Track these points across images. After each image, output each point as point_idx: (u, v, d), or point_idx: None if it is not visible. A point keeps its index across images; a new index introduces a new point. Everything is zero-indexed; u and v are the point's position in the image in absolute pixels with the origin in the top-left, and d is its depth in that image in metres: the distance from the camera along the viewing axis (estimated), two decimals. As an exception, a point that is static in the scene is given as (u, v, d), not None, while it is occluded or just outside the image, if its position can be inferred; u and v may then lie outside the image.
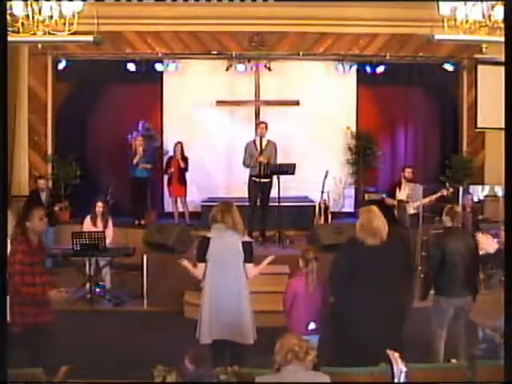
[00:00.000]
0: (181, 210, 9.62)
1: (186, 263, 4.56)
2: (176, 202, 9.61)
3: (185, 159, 9.40)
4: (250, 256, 4.42)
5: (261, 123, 8.61)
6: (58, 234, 8.99)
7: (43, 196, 8.74)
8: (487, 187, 9.29)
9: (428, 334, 5.06)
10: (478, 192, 9.35)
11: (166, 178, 9.75)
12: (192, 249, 7.26)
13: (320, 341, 4.49)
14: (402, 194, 8.45)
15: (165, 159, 10.05)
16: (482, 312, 5.51)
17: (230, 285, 4.36)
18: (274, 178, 8.11)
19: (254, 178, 8.27)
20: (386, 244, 4.16)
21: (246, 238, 4.51)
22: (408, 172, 8.52)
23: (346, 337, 4.10)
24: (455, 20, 6.65)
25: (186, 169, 9.43)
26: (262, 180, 8.17)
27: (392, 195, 8.56)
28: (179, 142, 9.43)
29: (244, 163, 8.36)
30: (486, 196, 9.36)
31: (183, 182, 9.49)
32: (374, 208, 4.32)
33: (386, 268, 4.13)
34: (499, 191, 8.80)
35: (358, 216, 4.32)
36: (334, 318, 4.27)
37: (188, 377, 2.76)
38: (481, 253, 4.67)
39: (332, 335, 4.31)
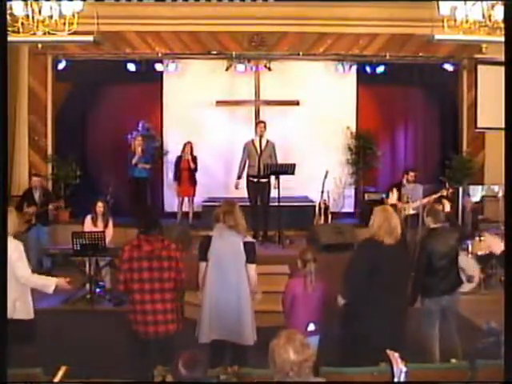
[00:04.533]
0: (185, 209, 9.61)
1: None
2: (182, 201, 9.60)
3: (194, 159, 9.40)
4: (252, 256, 4.41)
5: (260, 122, 8.62)
6: (58, 233, 9.00)
7: (36, 195, 8.70)
8: (487, 187, 9.29)
9: (422, 334, 5.06)
10: (478, 192, 9.35)
11: (173, 177, 9.70)
12: (191, 248, 7.27)
13: (322, 341, 4.49)
14: (393, 197, 8.40)
15: (166, 159, 10.06)
16: (482, 312, 5.52)
17: (230, 284, 4.35)
18: (272, 177, 8.11)
19: (251, 179, 8.27)
20: (400, 243, 4.23)
21: (248, 239, 4.49)
22: (411, 176, 8.45)
23: (366, 337, 4.10)
24: (455, 20, 6.64)
25: (195, 169, 9.43)
26: (261, 180, 8.17)
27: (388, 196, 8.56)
28: (189, 142, 9.42)
29: (240, 165, 8.39)
30: (486, 196, 9.35)
31: (193, 181, 9.48)
32: (389, 207, 4.39)
33: (401, 267, 4.20)
34: (499, 191, 8.79)
35: (373, 215, 4.31)
36: (351, 319, 4.25)
37: (181, 379, 2.74)
38: (483, 253, 4.70)
39: (348, 336, 4.29)
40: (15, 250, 4.26)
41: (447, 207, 5.32)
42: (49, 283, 4.38)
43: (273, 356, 2.66)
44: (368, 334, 4.09)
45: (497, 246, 3.66)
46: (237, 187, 8.43)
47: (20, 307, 4.31)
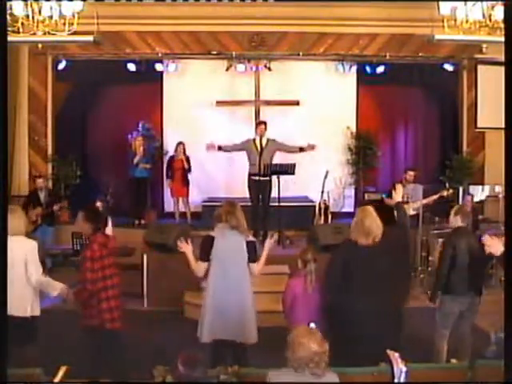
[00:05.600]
0: (182, 210, 9.63)
1: (187, 249, 4.46)
2: (178, 201, 9.63)
3: (187, 159, 9.42)
4: (254, 255, 4.43)
5: (260, 123, 8.61)
6: (58, 234, 8.99)
7: (42, 196, 8.72)
8: (487, 187, 9.29)
9: (431, 333, 5.05)
10: (479, 192, 9.34)
11: (166, 177, 9.76)
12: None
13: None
14: (397, 195, 8.36)
15: (166, 159, 10.07)
16: (482, 312, 5.51)
17: (234, 284, 4.37)
18: (274, 177, 8.12)
19: (252, 177, 8.27)
20: (381, 244, 4.14)
21: (250, 238, 4.52)
22: (410, 175, 8.49)
23: (340, 337, 4.08)
24: (455, 20, 6.65)
25: (189, 169, 9.45)
26: (262, 179, 8.17)
27: (390, 196, 8.54)
28: (181, 143, 9.45)
29: (231, 145, 8.47)
30: (488, 196, 9.34)
31: (186, 182, 9.52)
32: (369, 208, 4.31)
33: (379, 268, 4.09)
34: (500, 191, 8.78)
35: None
36: (329, 319, 4.25)
37: (181, 379, 2.74)
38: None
39: (327, 335, 4.29)
40: (31, 251, 4.35)
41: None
42: (55, 287, 4.47)
43: (293, 347, 2.82)
44: (345, 333, 4.06)
45: (496, 247, 3.65)
46: (207, 148, 8.32)
47: (34, 306, 4.41)
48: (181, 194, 9.56)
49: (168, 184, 9.72)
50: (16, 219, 4.34)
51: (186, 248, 4.47)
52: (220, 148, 8.38)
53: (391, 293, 4.19)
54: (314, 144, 8.29)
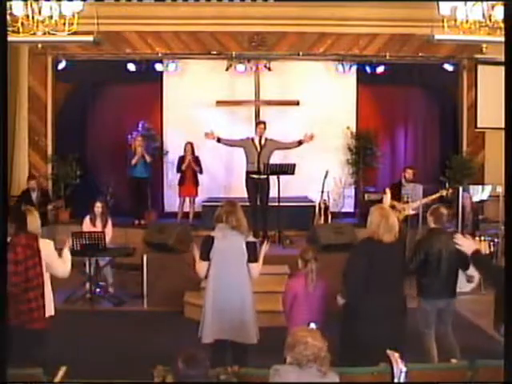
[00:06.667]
0: (185, 210, 9.62)
1: (196, 253, 4.49)
2: (184, 201, 9.62)
3: (196, 159, 9.45)
4: (254, 256, 4.44)
5: (260, 123, 8.62)
6: (59, 234, 8.99)
7: (34, 196, 8.72)
8: (488, 187, 9.27)
9: (419, 334, 5.06)
10: (478, 192, 9.33)
11: (177, 177, 9.69)
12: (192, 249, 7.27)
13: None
14: (387, 199, 8.21)
15: (166, 159, 10.05)
16: (482, 312, 5.52)
17: (234, 284, 4.38)
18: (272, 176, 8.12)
19: (251, 175, 8.27)
20: (399, 241, 4.25)
21: (251, 239, 4.52)
22: (409, 173, 8.48)
23: (368, 336, 4.09)
24: (455, 20, 6.66)
25: (200, 170, 9.49)
26: (260, 177, 8.16)
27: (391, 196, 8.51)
28: (189, 143, 9.45)
29: (231, 140, 8.48)
30: (490, 196, 9.33)
31: (195, 182, 9.53)
32: (386, 206, 4.42)
33: (400, 264, 4.24)
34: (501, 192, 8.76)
35: (370, 215, 4.29)
36: (352, 318, 4.24)
37: (180, 376, 2.75)
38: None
39: (349, 336, 4.28)
40: (52, 250, 4.35)
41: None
42: (65, 253, 4.54)
43: (299, 347, 2.87)
44: (369, 333, 4.08)
45: (468, 246, 3.62)
46: (206, 136, 8.33)
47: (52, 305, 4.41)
48: (190, 194, 9.54)
49: (178, 184, 9.69)
50: (35, 219, 4.36)
51: (196, 251, 4.49)
52: (219, 140, 8.39)
53: (404, 288, 4.36)
54: (312, 133, 8.28)
